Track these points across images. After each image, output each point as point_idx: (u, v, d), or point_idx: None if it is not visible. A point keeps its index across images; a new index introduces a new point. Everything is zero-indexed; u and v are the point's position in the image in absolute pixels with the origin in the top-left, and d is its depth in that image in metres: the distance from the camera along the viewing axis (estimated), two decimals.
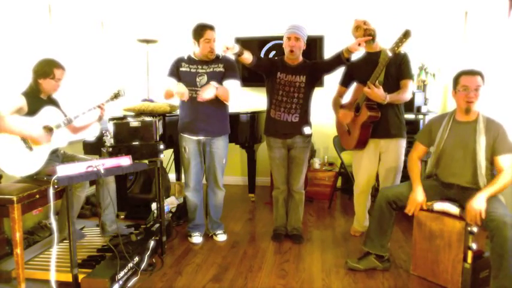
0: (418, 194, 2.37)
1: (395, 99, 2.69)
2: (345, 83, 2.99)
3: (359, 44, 2.54)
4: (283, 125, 2.86)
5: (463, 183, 2.32)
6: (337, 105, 3.02)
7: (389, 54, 2.45)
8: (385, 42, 2.80)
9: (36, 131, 2.39)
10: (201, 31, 2.75)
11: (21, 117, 2.41)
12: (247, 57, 2.72)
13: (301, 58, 2.86)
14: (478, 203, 2.12)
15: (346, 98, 3.02)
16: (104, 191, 2.81)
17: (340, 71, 2.94)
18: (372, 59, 2.74)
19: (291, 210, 3.08)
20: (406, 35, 2.38)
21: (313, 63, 2.91)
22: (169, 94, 2.82)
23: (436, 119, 2.53)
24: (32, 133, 2.37)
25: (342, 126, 3.03)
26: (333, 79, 3.06)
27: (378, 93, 2.58)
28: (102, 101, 2.67)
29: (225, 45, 2.54)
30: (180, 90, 2.69)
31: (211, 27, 2.76)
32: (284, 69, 2.83)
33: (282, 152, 2.95)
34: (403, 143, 2.85)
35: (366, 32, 2.71)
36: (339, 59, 2.66)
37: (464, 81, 2.28)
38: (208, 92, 2.68)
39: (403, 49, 2.55)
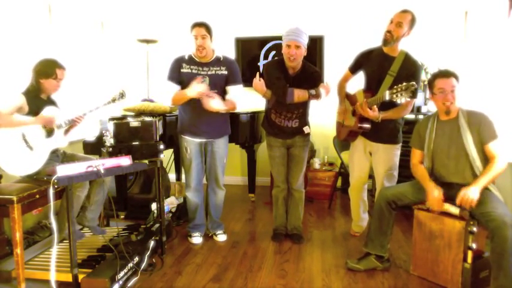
0: (435, 192, 2.30)
1: (390, 117, 2.62)
2: (353, 69, 2.86)
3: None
4: (283, 129, 2.88)
5: (462, 180, 2.31)
6: (342, 91, 2.95)
7: (386, 98, 2.39)
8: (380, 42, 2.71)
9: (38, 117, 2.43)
10: (191, 28, 2.74)
11: (22, 115, 2.42)
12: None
13: (300, 64, 2.75)
14: (472, 192, 2.12)
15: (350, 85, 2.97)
16: (97, 188, 2.79)
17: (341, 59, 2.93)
18: (383, 63, 2.63)
19: (290, 208, 3.08)
20: (407, 90, 2.26)
21: (312, 75, 2.77)
22: (181, 100, 2.77)
23: (421, 121, 2.54)
24: (35, 119, 2.41)
25: (340, 115, 3.04)
26: (333, 81, 3.04)
27: (372, 115, 2.54)
28: (104, 102, 2.66)
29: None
30: (196, 90, 2.66)
31: (199, 24, 2.71)
32: (286, 80, 2.73)
33: (281, 150, 2.95)
34: (394, 147, 2.77)
35: (386, 33, 2.56)
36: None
37: (440, 84, 2.31)
38: (216, 104, 2.68)
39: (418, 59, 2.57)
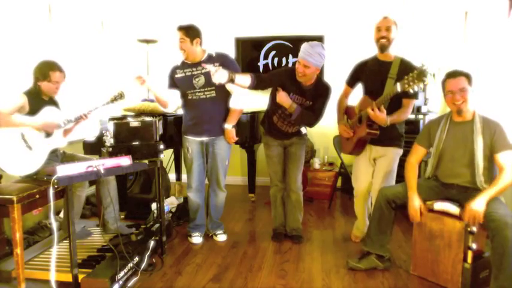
0: (415, 201, 2.37)
1: (396, 121, 2.62)
2: (351, 83, 2.89)
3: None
4: (283, 133, 2.89)
5: (462, 183, 2.32)
6: (342, 107, 2.94)
7: (398, 89, 2.35)
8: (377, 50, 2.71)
9: (39, 121, 2.42)
10: None
11: (22, 115, 2.42)
12: (242, 83, 2.56)
13: (314, 79, 2.71)
14: (478, 205, 2.11)
15: (351, 99, 2.96)
16: (104, 190, 2.81)
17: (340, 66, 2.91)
18: (380, 69, 2.64)
19: (288, 211, 3.07)
20: (419, 75, 2.19)
21: (319, 91, 2.75)
22: (158, 100, 2.87)
23: (434, 120, 2.53)
24: (36, 122, 2.40)
25: (344, 132, 3.00)
26: (333, 81, 3.04)
27: (381, 116, 2.51)
28: (103, 102, 2.66)
29: (217, 81, 2.43)
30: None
31: (178, 28, 2.73)
32: (297, 90, 2.71)
33: (278, 149, 2.97)
34: (398, 151, 2.76)
35: (381, 40, 2.59)
36: None
37: (449, 86, 2.29)
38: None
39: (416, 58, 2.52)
